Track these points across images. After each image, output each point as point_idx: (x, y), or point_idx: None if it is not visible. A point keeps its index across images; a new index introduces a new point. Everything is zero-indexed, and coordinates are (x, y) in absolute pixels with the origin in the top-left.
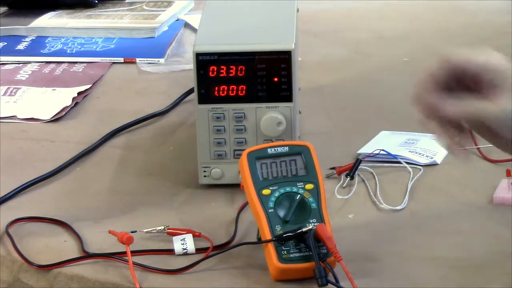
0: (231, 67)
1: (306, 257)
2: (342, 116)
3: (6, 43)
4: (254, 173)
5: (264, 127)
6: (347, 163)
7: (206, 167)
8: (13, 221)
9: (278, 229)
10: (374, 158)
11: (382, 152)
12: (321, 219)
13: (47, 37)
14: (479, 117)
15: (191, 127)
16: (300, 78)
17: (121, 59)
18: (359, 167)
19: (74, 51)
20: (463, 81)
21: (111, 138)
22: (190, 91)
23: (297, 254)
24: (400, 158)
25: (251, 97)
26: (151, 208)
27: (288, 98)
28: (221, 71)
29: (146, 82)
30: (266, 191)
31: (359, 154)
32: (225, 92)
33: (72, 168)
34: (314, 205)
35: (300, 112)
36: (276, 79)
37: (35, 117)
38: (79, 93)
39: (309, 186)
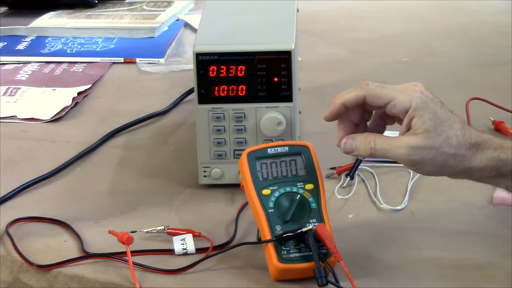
0: (231, 67)
1: (306, 257)
2: None
3: (6, 43)
4: (254, 173)
5: (264, 127)
6: (347, 163)
7: (206, 167)
8: (13, 221)
9: (278, 229)
10: (374, 158)
11: None
12: (321, 219)
13: (47, 37)
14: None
15: (191, 127)
16: (300, 78)
17: (121, 59)
18: (359, 167)
19: (74, 51)
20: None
21: (111, 138)
22: (190, 91)
23: (297, 254)
24: None
25: (251, 97)
26: (151, 208)
27: (288, 98)
28: (221, 71)
29: (146, 82)
30: (266, 191)
31: None
32: (225, 92)
33: (72, 168)
34: (314, 205)
35: (300, 112)
36: (276, 79)
37: (35, 117)
38: (79, 93)
39: (309, 186)
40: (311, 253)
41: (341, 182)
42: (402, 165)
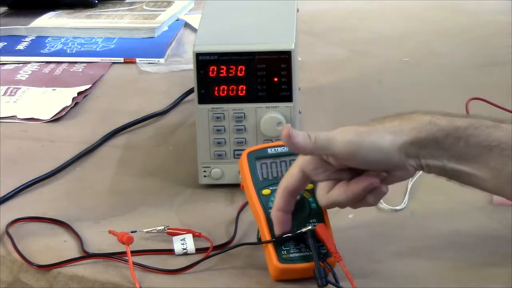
0: (231, 67)
1: (306, 257)
2: (342, 116)
3: (6, 43)
4: (254, 173)
5: (264, 127)
6: None
7: (206, 167)
8: (13, 221)
9: None
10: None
11: None
12: (321, 219)
13: (47, 37)
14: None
15: (191, 127)
16: (300, 78)
17: (121, 59)
18: None
19: (74, 51)
20: None
21: (111, 138)
22: (190, 91)
23: (297, 254)
24: None
25: (251, 97)
26: (151, 208)
27: (288, 98)
28: (221, 71)
29: (146, 82)
30: (266, 191)
31: None
32: (225, 92)
33: (72, 168)
34: (314, 205)
35: (300, 112)
36: (276, 79)
37: (35, 117)
38: (79, 93)
39: (309, 186)
40: (311, 253)
41: None
42: None
